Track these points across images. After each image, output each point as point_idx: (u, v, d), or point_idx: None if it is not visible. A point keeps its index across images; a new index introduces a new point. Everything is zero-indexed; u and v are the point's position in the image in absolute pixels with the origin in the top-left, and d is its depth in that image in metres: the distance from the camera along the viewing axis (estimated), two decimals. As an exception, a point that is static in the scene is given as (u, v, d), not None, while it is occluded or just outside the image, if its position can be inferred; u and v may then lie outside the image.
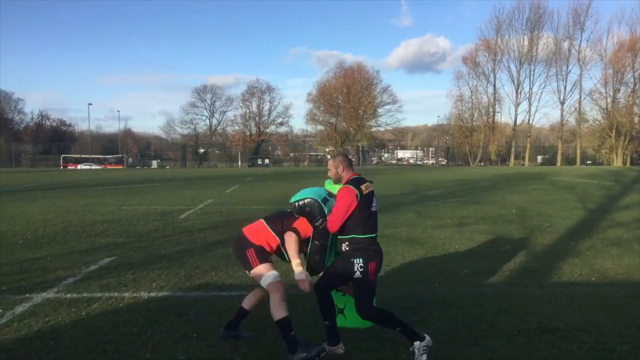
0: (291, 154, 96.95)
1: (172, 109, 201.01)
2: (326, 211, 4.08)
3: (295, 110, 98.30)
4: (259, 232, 4.25)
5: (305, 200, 4.14)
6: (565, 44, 74.22)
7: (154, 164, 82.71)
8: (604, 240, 8.92)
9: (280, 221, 4.25)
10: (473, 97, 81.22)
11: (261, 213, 12.83)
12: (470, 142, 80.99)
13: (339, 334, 4.03)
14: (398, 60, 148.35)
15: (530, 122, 78.65)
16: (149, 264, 7.12)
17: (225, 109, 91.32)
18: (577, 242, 8.63)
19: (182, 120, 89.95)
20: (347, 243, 3.97)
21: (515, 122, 78.68)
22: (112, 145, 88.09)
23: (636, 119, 71.88)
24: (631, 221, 11.19)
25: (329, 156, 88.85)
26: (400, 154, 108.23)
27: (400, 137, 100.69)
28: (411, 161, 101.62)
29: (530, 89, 77.83)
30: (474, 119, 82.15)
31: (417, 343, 3.78)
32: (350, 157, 4.49)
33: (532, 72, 76.86)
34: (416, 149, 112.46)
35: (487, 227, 10.45)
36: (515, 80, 77.39)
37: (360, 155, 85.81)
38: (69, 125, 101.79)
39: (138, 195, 18.79)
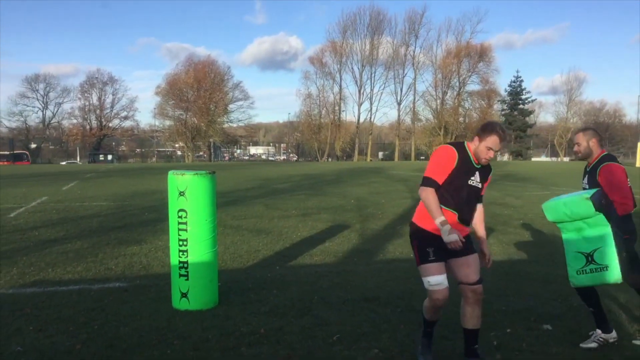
0: (137, 150, 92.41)
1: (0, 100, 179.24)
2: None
3: (143, 104, 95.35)
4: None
5: (602, 195, 3.59)
6: (402, 50, 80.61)
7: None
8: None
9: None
10: (320, 96, 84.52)
11: (103, 210, 12.37)
12: (318, 139, 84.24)
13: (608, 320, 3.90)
14: (251, 56, 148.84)
15: (372, 120, 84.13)
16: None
17: (61, 101, 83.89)
18: (402, 226, 9.71)
19: (9, 112, 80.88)
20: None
21: (358, 120, 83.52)
22: None
23: (460, 119, 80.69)
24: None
25: (179, 152, 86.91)
26: (253, 150, 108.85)
27: (253, 133, 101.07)
28: (263, 157, 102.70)
29: (371, 89, 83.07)
30: (322, 116, 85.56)
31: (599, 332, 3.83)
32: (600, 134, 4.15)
33: (373, 75, 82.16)
34: (268, 145, 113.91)
35: (328, 216, 11.25)
36: (358, 82, 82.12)
37: (212, 151, 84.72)
38: None
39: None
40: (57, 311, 4.73)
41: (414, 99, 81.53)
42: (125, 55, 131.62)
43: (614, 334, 3.89)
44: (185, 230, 4.67)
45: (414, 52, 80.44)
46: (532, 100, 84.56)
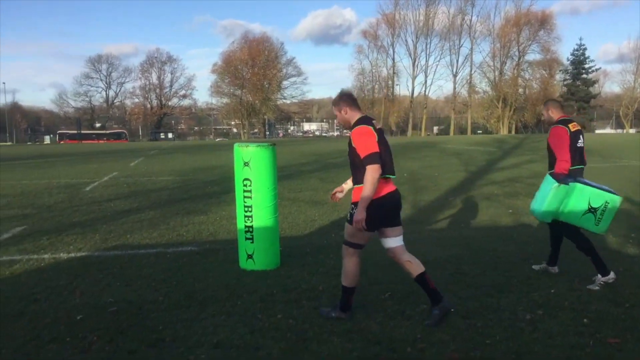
0: (196, 128, 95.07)
1: (65, 81, 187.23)
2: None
3: (200, 82, 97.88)
4: None
5: (568, 176, 4.48)
6: (458, 19, 78.51)
7: (47, 139, 77.87)
8: (478, 195, 10.32)
9: None
10: (373, 70, 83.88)
11: (169, 184, 13.18)
12: (372, 114, 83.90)
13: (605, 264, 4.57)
14: (305, 31, 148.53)
15: (427, 94, 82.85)
16: (62, 230, 7.39)
17: (123, 81, 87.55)
18: (454, 198, 9.94)
19: (75, 93, 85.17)
20: None
21: (412, 94, 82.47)
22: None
23: (520, 90, 78.18)
24: (503, 180, 12.84)
25: (234, 129, 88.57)
26: (307, 126, 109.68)
27: (306, 109, 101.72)
28: (317, 133, 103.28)
29: (426, 62, 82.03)
30: (375, 91, 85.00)
31: (602, 277, 4.50)
32: (559, 102, 5.13)
33: (428, 46, 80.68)
34: (322, 121, 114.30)
35: (381, 188, 11.56)
36: (412, 54, 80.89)
37: (267, 128, 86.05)
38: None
39: (36, 171, 18.18)
40: (139, 270, 5.35)
41: (471, 70, 79.77)
42: (182, 33, 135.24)
43: (612, 275, 4.55)
44: (250, 197, 5.15)
45: (470, 21, 78.44)
46: (597, 70, 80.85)
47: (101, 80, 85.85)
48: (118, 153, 31.34)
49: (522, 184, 12.03)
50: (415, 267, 3.95)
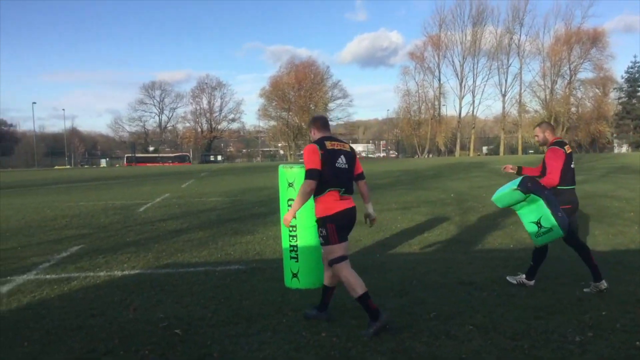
0: (244, 150, 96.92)
1: (120, 107, 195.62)
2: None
3: (248, 107, 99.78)
4: None
5: (527, 179, 4.79)
6: (506, 39, 77.43)
7: (103, 162, 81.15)
8: (527, 216, 10.09)
9: None
10: (420, 91, 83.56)
11: (218, 204, 13.51)
12: (418, 135, 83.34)
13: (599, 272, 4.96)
14: (351, 54, 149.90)
15: (475, 114, 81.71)
16: (117, 249, 7.70)
17: (175, 106, 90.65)
18: (503, 219, 9.75)
19: (130, 118, 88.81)
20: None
21: (460, 114, 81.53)
22: (57, 145, 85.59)
23: (572, 109, 75.99)
24: (554, 201, 12.49)
25: (281, 151, 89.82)
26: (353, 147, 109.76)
27: (352, 131, 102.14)
28: (363, 154, 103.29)
29: (473, 82, 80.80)
30: (421, 112, 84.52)
31: (598, 284, 4.90)
32: (552, 125, 5.47)
33: (475, 66, 79.86)
34: (368, 142, 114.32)
35: (427, 209, 11.49)
36: (459, 74, 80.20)
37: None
38: (10, 125, 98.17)
39: (93, 192, 18.99)
40: (189, 287, 5.52)
41: (520, 89, 78.23)
42: (231, 60, 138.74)
43: (603, 283, 4.92)
44: (295, 217, 5.24)
45: (519, 40, 77.18)
46: (654, 87, 77.55)
47: (154, 105, 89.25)
48: (170, 175, 32.32)
49: (574, 204, 11.67)
50: (331, 279, 4.41)
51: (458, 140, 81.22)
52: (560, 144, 5.09)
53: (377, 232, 8.74)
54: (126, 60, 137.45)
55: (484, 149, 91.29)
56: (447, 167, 32.90)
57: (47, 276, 6.14)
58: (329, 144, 4.17)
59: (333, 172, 4.09)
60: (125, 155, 76.05)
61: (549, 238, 4.81)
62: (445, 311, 4.51)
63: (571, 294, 4.89)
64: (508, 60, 77.93)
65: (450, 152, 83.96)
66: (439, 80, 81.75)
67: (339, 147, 4.21)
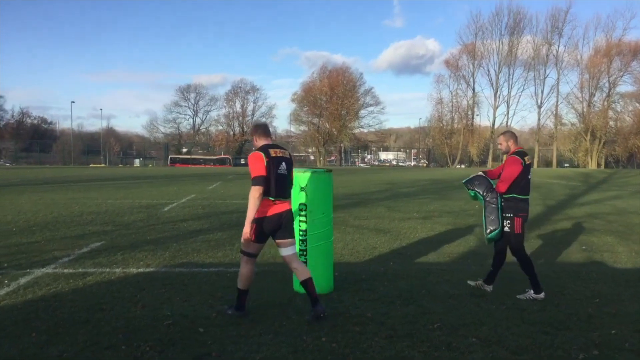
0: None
1: (157, 108, 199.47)
2: (492, 183, 5.33)
3: (281, 111, 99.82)
4: None
5: (477, 178, 5.39)
6: (544, 49, 76.03)
7: (137, 162, 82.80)
8: (552, 231, 9.87)
9: None
10: (453, 100, 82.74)
11: (241, 207, 13.62)
12: (449, 144, 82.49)
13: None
14: (387, 62, 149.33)
15: (509, 124, 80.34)
16: (136, 247, 7.85)
17: (209, 109, 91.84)
18: (527, 232, 9.54)
19: (165, 119, 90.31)
20: (505, 200, 5.23)
21: (493, 125, 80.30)
22: (94, 143, 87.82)
23: (611, 123, 73.96)
24: (582, 215, 12.19)
25: (312, 157, 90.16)
26: (383, 155, 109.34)
27: (383, 138, 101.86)
28: (393, 162, 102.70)
29: (508, 92, 79.58)
30: (454, 121, 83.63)
31: (531, 293, 5.22)
32: (516, 135, 5.63)
33: (511, 76, 78.67)
34: (399, 150, 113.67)
35: (449, 219, 11.35)
36: (494, 84, 79.12)
37: (342, 155, 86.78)
38: (50, 123, 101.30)
39: (122, 191, 19.40)
40: (199, 287, 5.58)
41: (557, 101, 76.63)
42: (267, 64, 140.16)
43: (542, 294, 5.22)
44: (305, 221, 5.26)
45: (557, 51, 75.65)
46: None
47: (189, 108, 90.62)
48: (199, 177, 32.76)
49: (601, 220, 11.37)
50: (300, 273, 4.61)
51: (491, 151, 79.99)
52: (521, 154, 5.29)
53: (394, 240, 8.68)
54: (165, 62, 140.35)
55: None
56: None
57: (65, 270, 6.30)
58: (272, 152, 4.52)
59: (275, 179, 4.43)
60: (170, 157, 77.57)
61: (492, 237, 5.31)
62: (451, 322, 4.45)
63: (583, 311, 4.76)
64: (545, 71, 76.59)
65: (483, 163, 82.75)
66: (473, 89, 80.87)
67: (280, 155, 4.58)
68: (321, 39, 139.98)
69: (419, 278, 6.01)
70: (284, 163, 4.54)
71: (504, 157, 5.43)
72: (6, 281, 5.73)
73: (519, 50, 76.82)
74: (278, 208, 4.50)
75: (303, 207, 5.27)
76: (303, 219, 5.27)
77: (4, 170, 45.90)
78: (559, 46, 75.74)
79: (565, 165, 76.80)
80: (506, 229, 5.23)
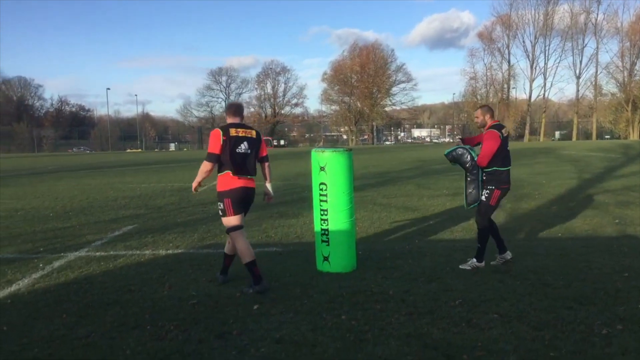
0: (307, 135, 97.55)
1: (191, 92, 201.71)
2: (474, 155, 5.36)
3: (311, 91, 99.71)
4: None
5: (458, 150, 5.41)
6: (582, 18, 73.26)
7: (172, 146, 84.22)
8: (585, 204, 9.63)
9: None
10: (487, 74, 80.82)
11: (274, 187, 13.72)
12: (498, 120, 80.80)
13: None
14: (420, 36, 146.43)
15: (546, 97, 78.20)
16: (166, 229, 8.03)
17: (240, 91, 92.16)
18: (558, 207, 9.35)
19: (198, 103, 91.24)
20: (487, 174, 5.35)
21: (530, 98, 78.29)
22: (130, 129, 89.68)
23: (654, 92, 71.11)
24: (618, 188, 11.83)
25: (344, 136, 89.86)
26: (417, 132, 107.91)
27: (416, 115, 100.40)
28: (427, 140, 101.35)
29: (545, 63, 77.26)
30: (489, 95, 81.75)
31: (474, 260, 5.43)
32: (493, 109, 5.74)
33: (547, 47, 76.26)
34: (433, 127, 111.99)
35: (479, 195, 11.17)
36: (530, 55, 76.84)
37: (375, 134, 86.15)
38: (88, 110, 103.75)
39: (156, 175, 19.81)
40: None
41: (596, 71, 74.05)
42: (298, 44, 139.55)
43: (508, 254, 5.53)
44: (326, 201, 5.28)
45: (595, 19, 72.76)
46: None
47: (221, 91, 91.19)
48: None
49: (638, 192, 11.01)
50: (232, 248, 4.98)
51: (527, 125, 78.10)
52: (498, 127, 5.36)
53: (422, 218, 8.63)
54: (197, 46, 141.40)
55: (557, 134, 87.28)
56: (513, 152, 31.15)
57: (97, 253, 6.51)
58: (233, 131, 4.72)
59: (232, 156, 4.66)
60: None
61: (472, 207, 5.53)
62: (472, 298, 4.42)
63: (610, 285, 4.65)
64: (583, 41, 73.93)
65: (520, 136, 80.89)
66: (509, 62, 78.70)
67: (242, 134, 4.77)
68: (352, 16, 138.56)
69: (444, 255, 5.97)
70: (245, 142, 4.76)
71: (482, 130, 5.50)
72: (41, 265, 5.96)
73: (555, 20, 74.27)
74: (243, 182, 4.77)
75: (324, 186, 5.28)
76: (324, 198, 5.28)
77: (44, 157, 47.43)
78: (597, 14, 72.92)
79: (606, 137, 74.38)
80: (483, 197, 5.39)
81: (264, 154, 5.05)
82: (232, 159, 4.66)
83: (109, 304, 4.55)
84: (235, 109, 4.98)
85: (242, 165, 4.74)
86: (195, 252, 6.52)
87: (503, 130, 5.37)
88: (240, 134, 4.75)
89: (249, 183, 4.85)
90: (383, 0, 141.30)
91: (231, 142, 4.67)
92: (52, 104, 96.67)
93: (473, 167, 5.32)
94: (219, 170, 4.78)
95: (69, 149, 76.93)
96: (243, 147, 4.74)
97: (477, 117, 5.61)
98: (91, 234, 7.81)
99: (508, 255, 5.55)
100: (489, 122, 5.48)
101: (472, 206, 5.48)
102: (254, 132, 4.89)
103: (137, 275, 5.45)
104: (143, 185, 15.26)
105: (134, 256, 6.32)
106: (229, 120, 4.90)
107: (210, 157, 4.71)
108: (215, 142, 4.69)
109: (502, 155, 5.31)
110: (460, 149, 5.42)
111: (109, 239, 7.42)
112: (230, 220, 4.82)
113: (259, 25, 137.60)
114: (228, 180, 4.73)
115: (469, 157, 5.35)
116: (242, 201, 4.83)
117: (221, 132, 4.69)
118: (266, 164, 5.16)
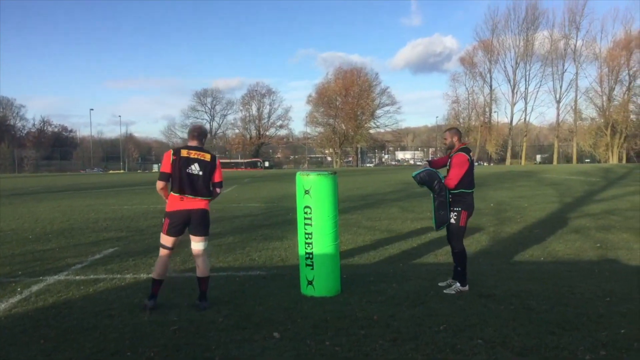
0: (291, 157, 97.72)
1: (176, 113, 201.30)
2: (441, 177, 5.40)
3: (297, 113, 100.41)
4: None
5: (425, 172, 5.46)
6: (561, 44, 75.04)
7: (155, 167, 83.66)
8: (566, 228, 9.73)
9: None
10: (470, 98, 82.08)
11: (254, 210, 13.69)
12: (467, 142, 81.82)
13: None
14: (404, 60, 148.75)
15: (527, 121, 79.47)
16: (148, 252, 7.92)
17: (225, 113, 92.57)
18: (540, 230, 9.43)
19: (182, 124, 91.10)
20: (453, 195, 5.41)
21: (511, 121, 79.53)
22: (113, 150, 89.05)
23: (632, 117, 72.67)
24: (599, 212, 11.99)
25: (329, 158, 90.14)
26: (401, 155, 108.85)
27: (400, 138, 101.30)
28: (411, 162, 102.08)
29: (526, 88, 78.73)
30: (471, 119, 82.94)
31: (457, 285, 5.42)
32: (461, 132, 5.87)
33: (528, 72, 77.82)
34: (416, 149, 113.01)
35: (463, 218, 11.23)
36: (512, 80, 78.35)
37: (359, 156, 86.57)
38: (71, 130, 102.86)
39: (139, 196, 19.63)
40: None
41: (576, 96, 75.55)
42: (284, 67, 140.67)
43: (467, 287, 5.46)
44: (310, 224, 5.27)
45: (575, 45, 74.60)
46: None
47: (206, 112, 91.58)
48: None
49: (618, 216, 11.16)
50: (200, 271, 5.16)
51: (509, 148, 79.16)
52: (466, 150, 5.50)
53: (406, 241, 8.64)
54: (182, 68, 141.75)
55: (538, 157, 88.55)
56: (494, 175, 32.08)
57: (77, 277, 6.39)
58: (184, 152, 4.93)
59: (180, 176, 4.85)
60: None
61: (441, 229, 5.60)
62: (457, 323, 4.41)
63: (593, 310, 4.68)
64: (563, 66, 75.69)
65: (502, 160, 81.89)
66: (490, 86, 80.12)
67: (194, 156, 4.95)
68: (338, 39, 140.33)
69: (428, 279, 5.97)
70: (196, 164, 4.92)
71: (449, 152, 5.62)
72: (19, 289, 5.83)
73: (535, 46, 76.02)
74: (186, 204, 4.92)
75: (308, 209, 5.27)
76: (309, 221, 5.27)
77: (26, 178, 46.77)
78: (576, 40, 74.86)
79: (587, 160, 75.65)
80: (452, 220, 5.46)
81: (217, 180, 5.14)
82: (179, 178, 4.85)
83: (88, 329, 4.45)
84: (194, 132, 5.17)
85: (189, 185, 4.87)
86: (177, 277, 6.43)
87: (471, 154, 5.51)
88: (192, 156, 4.93)
89: (196, 204, 4.95)
90: (368, 24, 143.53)
91: (180, 162, 4.86)
92: (34, 124, 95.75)
93: (441, 189, 5.38)
94: (170, 189, 4.96)
95: (80, 169, 77.04)
96: (194, 168, 4.91)
97: (445, 139, 5.73)
98: (71, 257, 7.67)
99: (458, 287, 5.50)
100: (457, 144, 5.60)
101: (440, 228, 5.54)
102: (208, 156, 5.02)
103: (117, 300, 5.35)
104: (125, 207, 15.10)
105: (115, 280, 6.22)
106: (189, 142, 5.09)
107: (161, 176, 4.94)
108: (166, 161, 4.92)
109: (469, 179, 5.43)
110: (428, 171, 5.50)
111: (89, 262, 7.30)
112: (163, 238, 5.05)
113: (245, 49, 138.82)
114: (172, 201, 4.94)
115: (436, 179, 5.41)
116: (183, 223, 4.98)
117: (172, 152, 4.94)
118: (217, 189, 5.21)
